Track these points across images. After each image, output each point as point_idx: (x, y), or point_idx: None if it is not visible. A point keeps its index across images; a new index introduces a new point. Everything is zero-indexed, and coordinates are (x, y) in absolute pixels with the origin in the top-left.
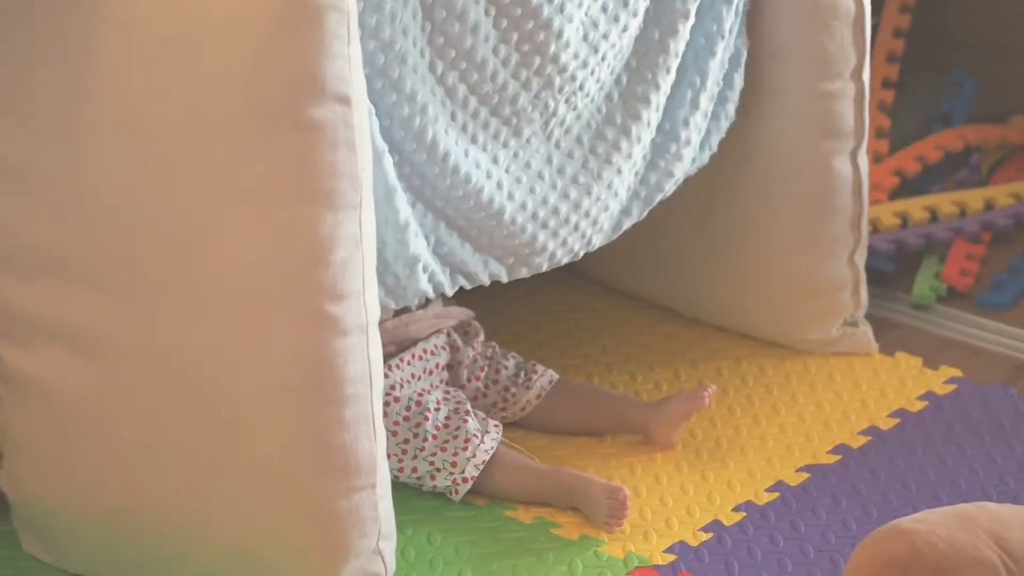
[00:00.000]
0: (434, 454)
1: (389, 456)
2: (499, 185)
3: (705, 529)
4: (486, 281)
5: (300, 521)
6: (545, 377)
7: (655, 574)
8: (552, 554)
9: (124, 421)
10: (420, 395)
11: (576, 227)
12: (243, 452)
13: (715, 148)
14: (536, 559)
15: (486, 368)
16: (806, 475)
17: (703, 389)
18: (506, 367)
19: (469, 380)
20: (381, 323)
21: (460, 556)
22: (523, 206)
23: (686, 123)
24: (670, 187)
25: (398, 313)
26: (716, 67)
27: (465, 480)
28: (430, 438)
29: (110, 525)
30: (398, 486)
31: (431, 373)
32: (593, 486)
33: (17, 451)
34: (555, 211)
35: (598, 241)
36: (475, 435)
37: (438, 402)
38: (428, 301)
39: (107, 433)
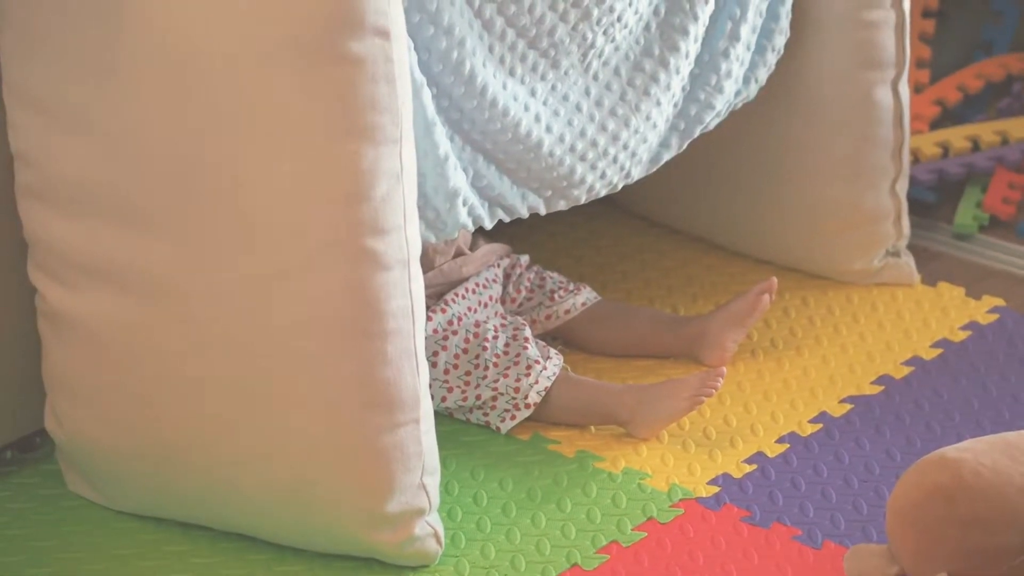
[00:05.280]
0: (496, 380)
1: (452, 389)
2: (537, 118)
3: (749, 461)
4: (524, 214)
5: (344, 456)
6: (592, 293)
7: (699, 506)
8: (596, 487)
9: (169, 358)
10: (477, 325)
11: (614, 159)
12: (288, 388)
13: (762, 82)
14: (580, 492)
15: (532, 277)
16: (849, 406)
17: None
18: (552, 277)
19: (517, 291)
20: (439, 266)
21: (504, 490)
22: (561, 139)
23: (726, 54)
24: (711, 120)
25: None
26: None
27: (528, 406)
28: (491, 366)
29: (155, 463)
30: (442, 422)
31: (486, 305)
32: (674, 380)
33: (61, 390)
34: (593, 143)
35: (637, 173)
36: (536, 361)
37: (496, 330)
38: (479, 243)
39: (152, 371)
